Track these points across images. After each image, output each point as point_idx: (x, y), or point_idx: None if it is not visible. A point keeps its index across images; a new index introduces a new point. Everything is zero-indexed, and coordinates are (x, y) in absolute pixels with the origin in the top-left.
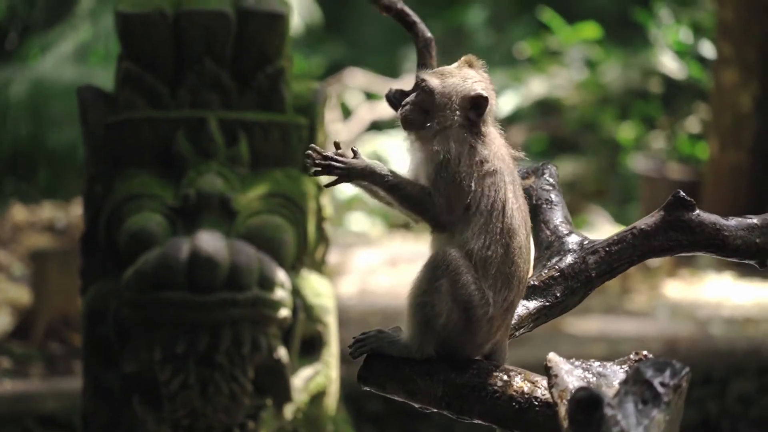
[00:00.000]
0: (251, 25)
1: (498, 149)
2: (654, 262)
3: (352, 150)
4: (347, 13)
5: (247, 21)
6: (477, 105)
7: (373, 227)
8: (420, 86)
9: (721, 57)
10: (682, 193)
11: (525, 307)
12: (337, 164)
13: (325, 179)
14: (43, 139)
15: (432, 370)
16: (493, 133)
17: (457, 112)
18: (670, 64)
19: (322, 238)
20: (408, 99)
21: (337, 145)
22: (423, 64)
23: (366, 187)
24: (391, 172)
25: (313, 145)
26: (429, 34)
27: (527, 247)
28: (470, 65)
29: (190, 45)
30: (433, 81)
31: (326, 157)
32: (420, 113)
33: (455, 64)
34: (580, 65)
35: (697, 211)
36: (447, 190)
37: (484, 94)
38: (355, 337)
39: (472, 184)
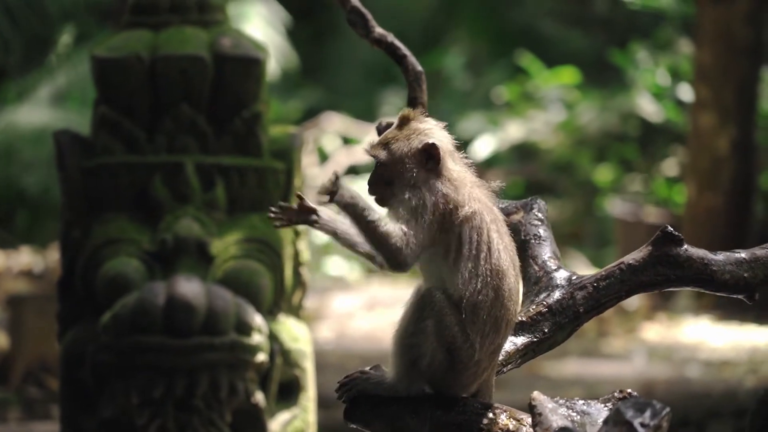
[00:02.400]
0: (228, 69)
1: (471, 190)
2: (631, 305)
3: (335, 175)
4: (324, 57)
5: (223, 65)
6: (429, 155)
7: (351, 271)
8: (373, 159)
9: (699, 100)
10: (671, 228)
11: (513, 343)
12: (333, 188)
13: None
14: (18, 183)
15: (418, 407)
16: (461, 174)
17: (415, 170)
18: (647, 106)
19: (300, 283)
20: (370, 177)
21: (335, 176)
22: (413, 97)
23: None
24: (371, 206)
25: (280, 203)
26: (419, 68)
27: (517, 288)
28: (409, 120)
29: (167, 89)
30: (380, 154)
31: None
32: (384, 186)
33: (394, 125)
34: (558, 108)
35: (685, 246)
36: (417, 230)
37: (431, 141)
38: (339, 381)
39: (448, 234)
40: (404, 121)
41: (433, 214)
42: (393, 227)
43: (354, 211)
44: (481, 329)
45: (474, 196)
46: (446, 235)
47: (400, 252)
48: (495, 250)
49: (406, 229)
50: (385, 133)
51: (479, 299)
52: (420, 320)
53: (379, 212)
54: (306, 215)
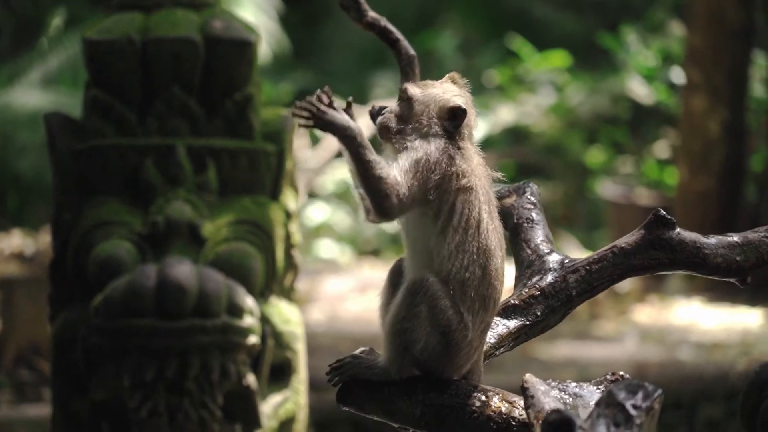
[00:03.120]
0: (219, 52)
1: (476, 167)
2: (623, 287)
3: (348, 103)
4: (315, 40)
5: (215, 48)
6: (454, 116)
7: (342, 254)
8: (400, 95)
9: (690, 82)
10: (663, 212)
11: (505, 326)
12: (312, 109)
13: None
14: (10, 167)
15: (410, 390)
16: (471, 149)
17: (435, 121)
18: (638, 89)
19: (291, 265)
20: (388, 108)
21: (348, 104)
22: (406, 81)
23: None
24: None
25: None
26: (412, 52)
27: (503, 269)
28: (454, 81)
29: (158, 72)
30: (413, 89)
31: (313, 105)
32: (398, 121)
33: (439, 81)
34: (549, 91)
35: (678, 230)
36: (413, 182)
37: (463, 106)
38: (330, 365)
39: (441, 196)
40: (449, 80)
41: (433, 172)
42: (388, 172)
43: (351, 144)
44: (471, 307)
45: (477, 173)
46: (440, 199)
47: (389, 199)
48: (484, 229)
49: (401, 178)
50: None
51: (466, 276)
52: (413, 305)
53: (376, 155)
54: (333, 116)
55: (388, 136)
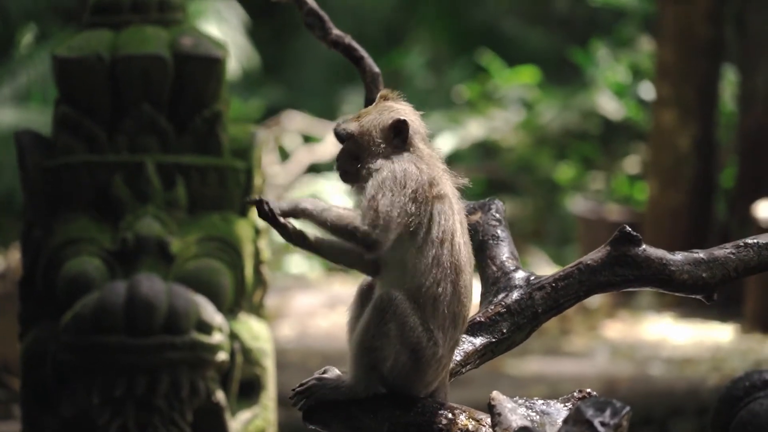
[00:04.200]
0: (188, 68)
1: (442, 174)
2: (593, 303)
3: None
4: (285, 55)
5: (184, 65)
6: (398, 130)
7: (312, 270)
8: (340, 135)
9: (660, 98)
10: (629, 229)
11: (471, 343)
12: (263, 207)
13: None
14: None
15: (377, 407)
16: (431, 155)
17: (382, 145)
18: (608, 104)
19: (260, 282)
20: (337, 154)
21: (384, 97)
22: (371, 99)
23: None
24: (314, 202)
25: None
26: (376, 69)
27: (471, 286)
28: (386, 99)
29: (128, 89)
30: (350, 125)
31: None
32: (351, 161)
33: (372, 105)
34: (518, 107)
35: (644, 246)
36: (386, 207)
37: (401, 117)
38: (294, 389)
39: (420, 208)
40: (381, 99)
41: (404, 186)
42: (354, 215)
43: (308, 215)
44: (442, 324)
45: (444, 179)
46: (419, 210)
47: (368, 235)
48: (457, 242)
49: (370, 209)
50: (358, 112)
51: (438, 291)
52: (381, 324)
53: (322, 203)
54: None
55: (351, 179)
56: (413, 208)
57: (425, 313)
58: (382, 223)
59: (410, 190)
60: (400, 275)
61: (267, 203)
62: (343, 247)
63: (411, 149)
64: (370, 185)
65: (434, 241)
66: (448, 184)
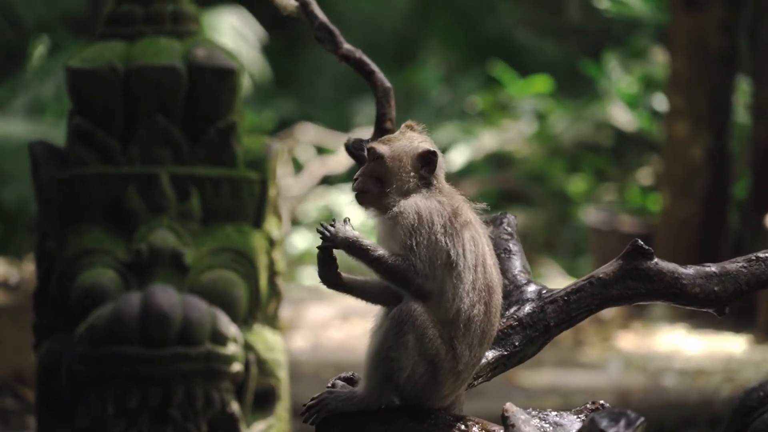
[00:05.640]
0: (202, 80)
1: (462, 203)
2: (606, 314)
3: (345, 220)
4: (297, 68)
5: (197, 76)
6: (427, 161)
7: None
8: (370, 154)
9: (673, 109)
10: (641, 242)
11: (484, 356)
12: (325, 232)
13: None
14: None
15: (390, 419)
16: (450, 188)
17: (411, 173)
18: (620, 115)
19: (275, 293)
20: (359, 172)
21: (410, 126)
22: (382, 113)
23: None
24: (373, 245)
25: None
26: (387, 84)
27: (500, 304)
28: (412, 129)
29: (141, 100)
30: (381, 147)
31: (322, 225)
32: (374, 183)
33: (397, 132)
34: (531, 118)
35: (656, 260)
36: (426, 251)
37: (432, 149)
38: (305, 404)
39: (453, 239)
40: (407, 129)
41: (433, 224)
42: (394, 260)
43: (357, 250)
44: (470, 342)
45: (465, 207)
46: (451, 243)
47: (412, 282)
48: (489, 265)
49: (410, 255)
50: (385, 135)
51: (474, 313)
52: (400, 335)
53: (380, 248)
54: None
55: (369, 201)
56: (446, 241)
57: (455, 331)
58: (429, 271)
59: (439, 226)
60: (441, 302)
61: (329, 229)
62: (377, 292)
63: (435, 182)
64: (402, 234)
65: (470, 268)
66: (469, 211)
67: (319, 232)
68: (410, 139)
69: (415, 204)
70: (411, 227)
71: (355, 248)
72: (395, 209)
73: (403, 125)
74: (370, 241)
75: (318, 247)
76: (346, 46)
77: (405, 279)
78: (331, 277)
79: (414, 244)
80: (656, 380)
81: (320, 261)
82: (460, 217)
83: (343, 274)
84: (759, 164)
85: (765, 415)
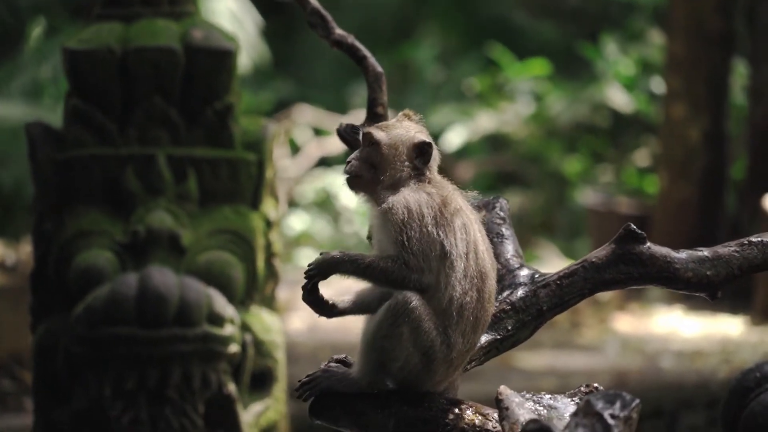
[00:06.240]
0: (199, 61)
1: (452, 191)
2: (603, 296)
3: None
4: (295, 50)
5: (195, 57)
6: (422, 152)
7: None
8: (366, 139)
9: (671, 90)
10: (633, 226)
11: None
12: (308, 271)
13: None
14: None
15: (384, 403)
16: (441, 179)
17: (405, 163)
18: (618, 97)
19: (272, 274)
20: (352, 155)
21: (407, 115)
22: (374, 98)
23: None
24: (360, 255)
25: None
26: (379, 69)
27: (494, 289)
28: (409, 118)
29: (138, 81)
30: (379, 133)
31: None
32: (368, 168)
33: (394, 119)
34: (528, 100)
35: (648, 244)
36: (419, 245)
37: (428, 140)
38: (300, 380)
39: (445, 230)
40: (404, 118)
41: (423, 216)
42: (384, 263)
43: (345, 271)
44: (463, 329)
45: (456, 196)
46: (443, 233)
47: (408, 279)
48: (481, 251)
49: (404, 251)
50: (382, 122)
51: (466, 300)
52: (394, 326)
53: (368, 255)
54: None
55: (360, 186)
56: (438, 232)
57: (449, 319)
58: (425, 264)
59: (429, 218)
60: (435, 293)
61: (309, 266)
62: (371, 300)
63: (427, 173)
64: (392, 229)
65: (462, 255)
66: (460, 199)
67: (305, 277)
68: (407, 129)
69: (404, 198)
70: (402, 222)
71: (343, 263)
72: (384, 205)
73: (400, 114)
74: (354, 251)
75: (302, 287)
76: (339, 31)
77: (400, 278)
78: (326, 310)
79: (405, 239)
80: (653, 362)
81: (310, 304)
82: (450, 206)
83: (337, 299)
84: (756, 146)
85: (762, 396)
